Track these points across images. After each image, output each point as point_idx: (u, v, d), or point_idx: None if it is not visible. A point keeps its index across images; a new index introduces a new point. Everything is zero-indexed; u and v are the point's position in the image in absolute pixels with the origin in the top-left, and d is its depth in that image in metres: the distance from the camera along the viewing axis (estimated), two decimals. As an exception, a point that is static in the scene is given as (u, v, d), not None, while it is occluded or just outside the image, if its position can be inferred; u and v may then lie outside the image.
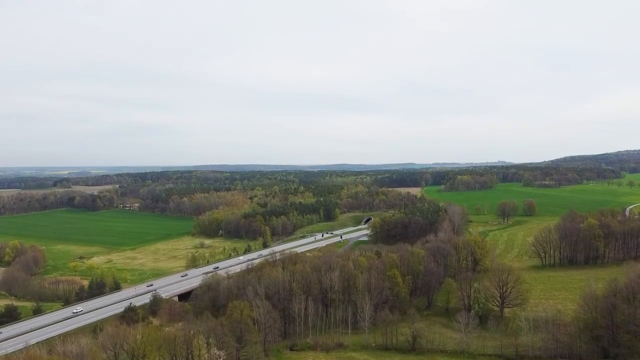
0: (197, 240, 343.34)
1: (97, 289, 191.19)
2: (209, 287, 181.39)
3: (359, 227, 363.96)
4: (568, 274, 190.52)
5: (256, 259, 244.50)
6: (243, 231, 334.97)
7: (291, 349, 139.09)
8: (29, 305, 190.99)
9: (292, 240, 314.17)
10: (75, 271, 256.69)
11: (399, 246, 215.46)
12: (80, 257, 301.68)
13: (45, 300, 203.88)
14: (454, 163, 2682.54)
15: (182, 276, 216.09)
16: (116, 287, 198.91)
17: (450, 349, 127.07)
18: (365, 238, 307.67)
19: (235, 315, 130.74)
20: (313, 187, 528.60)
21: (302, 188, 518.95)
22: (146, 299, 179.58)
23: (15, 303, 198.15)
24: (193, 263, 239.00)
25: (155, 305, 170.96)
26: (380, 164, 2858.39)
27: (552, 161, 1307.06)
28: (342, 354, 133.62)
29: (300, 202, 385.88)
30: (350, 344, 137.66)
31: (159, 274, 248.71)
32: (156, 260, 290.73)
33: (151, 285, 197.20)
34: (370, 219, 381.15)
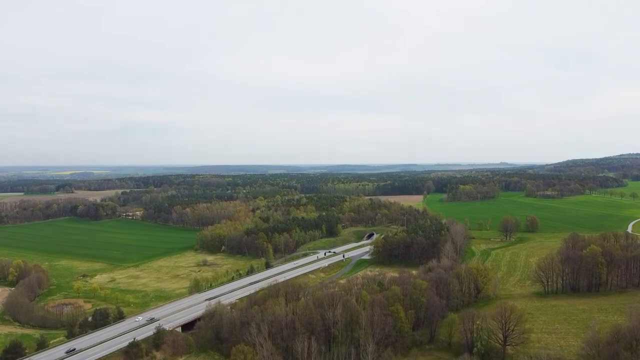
0: (199, 257, 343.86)
1: (101, 319, 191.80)
2: (212, 317, 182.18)
3: (362, 242, 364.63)
4: (570, 303, 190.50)
5: (259, 281, 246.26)
6: (246, 248, 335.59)
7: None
8: (32, 333, 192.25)
9: (294, 258, 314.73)
10: (79, 293, 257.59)
11: (401, 273, 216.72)
12: (84, 275, 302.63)
13: (50, 326, 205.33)
14: (456, 164, 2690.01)
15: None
16: (120, 317, 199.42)
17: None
18: (367, 257, 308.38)
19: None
20: (315, 198, 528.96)
21: (304, 199, 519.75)
22: (149, 330, 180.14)
23: (19, 331, 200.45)
24: (196, 287, 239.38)
25: (159, 339, 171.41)
26: (382, 164, 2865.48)
27: (554, 165, 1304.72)
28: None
29: (302, 217, 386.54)
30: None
31: (161, 296, 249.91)
32: (159, 279, 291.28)
33: (152, 319, 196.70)
34: (373, 234, 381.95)
